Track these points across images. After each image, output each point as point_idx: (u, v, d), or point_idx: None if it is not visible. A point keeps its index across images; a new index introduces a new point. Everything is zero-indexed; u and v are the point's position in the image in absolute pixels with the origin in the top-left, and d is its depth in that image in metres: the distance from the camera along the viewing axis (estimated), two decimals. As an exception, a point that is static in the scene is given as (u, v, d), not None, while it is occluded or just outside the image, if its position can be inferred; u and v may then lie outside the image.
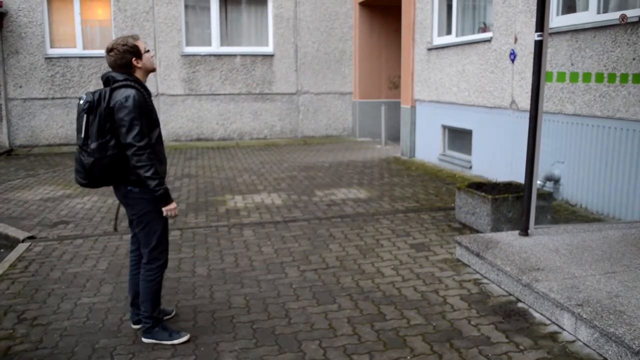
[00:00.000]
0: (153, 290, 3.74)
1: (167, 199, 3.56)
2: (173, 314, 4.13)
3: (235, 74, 13.65)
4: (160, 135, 3.68)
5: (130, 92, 3.44)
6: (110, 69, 3.61)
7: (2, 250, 6.06)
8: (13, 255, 5.53)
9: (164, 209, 3.58)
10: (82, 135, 3.43)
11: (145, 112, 3.49)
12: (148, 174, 3.45)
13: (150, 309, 3.73)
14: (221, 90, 13.64)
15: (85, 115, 3.43)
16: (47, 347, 3.68)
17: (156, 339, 3.71)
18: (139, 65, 3.58)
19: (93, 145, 3.42)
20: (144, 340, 3.73)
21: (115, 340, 3.76)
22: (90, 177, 3.49)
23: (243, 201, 7.60)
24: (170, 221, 6.46)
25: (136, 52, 3.56)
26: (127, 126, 3.40)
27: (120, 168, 3.50)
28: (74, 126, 13.03)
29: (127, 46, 3.54)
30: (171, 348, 3.63)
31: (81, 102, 3.46)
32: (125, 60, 3.54)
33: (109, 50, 3.56)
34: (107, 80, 3.55)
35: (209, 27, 13.56)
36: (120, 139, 3.43)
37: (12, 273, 5.05)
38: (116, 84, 3.48)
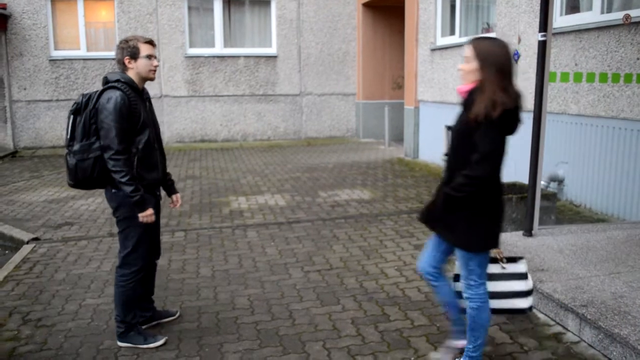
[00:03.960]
0: (126, 296, 3.65)
1: (143, 206, 3.52)
2: (177, 314, 4.13)
3: (239, 75, 13.66)
4: (150, 140, 3.61)
5: (114, 94, 3.42)
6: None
7: (6, 252, 6.08)
8: (18, 257, 5.55)
9: (139, 215, 3.53)
10: (68, 137, 3.48)
11: (128, 116, 3.45)
12: (123, 180, 3.41)
13: (123, 314, 3.67)
14: (225, 91, 13.66)
15: (72, 117, 3.47)
16: (52, 349, 3.69)
17: (132, 343, 3.67)
18: (131, 66, 3.55)
19: (76, 147, 3.44)
20: (120, 344, 3.69)
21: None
22: (74, 179, 3.51)
23: (247, 202, 7.61)
24: (174, 222, 6.50)
25: (132, 53, 3.54)
26: (105, 128, 3.38)
27: (105, 170, 3.47)
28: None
29: (127, 44, 3.55)
30: (175, 349, 3.64)
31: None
32: (120, 56, 3.56)
33: (121, 40, 3.63)
34: (104, 79, 3.57)
35: (213, 28, 13.58)
36: (103, 143, 3.42)
37: (16, 274, 5.06)
38: (106, 86, 3.49)
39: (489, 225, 2.97)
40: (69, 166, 3.49)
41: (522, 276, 3.24)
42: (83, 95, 3.49)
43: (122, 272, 3.66)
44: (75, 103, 3.47)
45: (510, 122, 2.79)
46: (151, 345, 3.66)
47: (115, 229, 6.28)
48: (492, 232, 2.99)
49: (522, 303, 3.24)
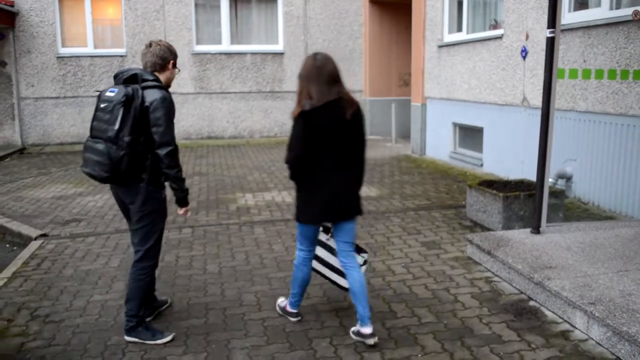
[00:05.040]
0: (143, 290, 3.72)
1: (187, 200, 3.77)
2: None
3: (246, 72, 13.67)
4: None
5: (165, 93, 3.54)
6: (125, 69, 3.65)
7: (15, 248, 6.12)
8: (26, 253, 5.58)
9: (184, 209, 3.77)
10: (117, 128, 3.41)
11: (174, 114, 3.60)
12: (178, 175, 3.60)
13: (136, 308, 3.71)
14: (231, 88, 13.66)
15: (122, 109, 3.41)
16: (60, 344, 3.71)
17: (140, 339, 3.69)
18: (170, 70, 3.71)
19: (127, 139, 3.41)
20: (127, 338, 3.71)
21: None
22: (115, 171, 3.45)
23: (254, 199, 7.61)
24: (181, 219, 6.51)
25: (175, 59, 3.75)
26: (163, 126, 3.47)
27: (140, 165, 3.53)
28: (86, 125, 13.08)
29: (172, 49, 3.72)
30: (182, 345, 3.65)
31: (111, 94, 3.46)
32: (166, 57, 3.66)
33: (156, 42, 3.68)
34: (132, 77, 3.55)
35: (219, 25, 13.58)
36: (155, 137, 3.49)
37: (25, 270, 5.09)
38: (147, 83, 3.53)
39: (302, 202, 3.61)
40: (111, 158, 3.42)
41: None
42: (125, 88, 3.47)
43: (142, 266, 3.71)
44: (124, 95, 3.42)
45: (313, 120, 3.41)
46: (159, 341, 3.67)
47: (123, 226, 6.29)
48: (306, 209, 3.60)
49: (342, 282, 3.86)
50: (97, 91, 3.65)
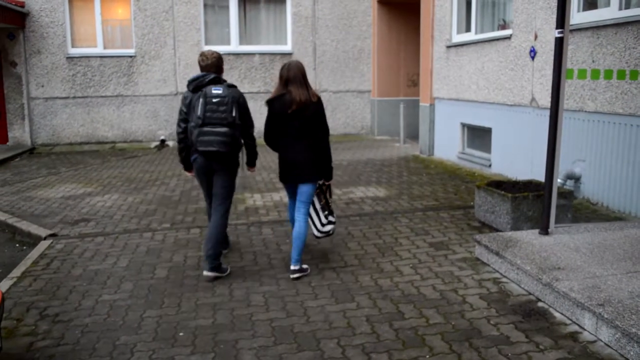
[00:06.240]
0: (225, 229, 5.01)
1: (255, 163, 5.18)
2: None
3: (254, 72, 13.69)
4: None
5: (240, 91, 4.85)
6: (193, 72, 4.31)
7: (24, 248, 6.16)
8: (35, 253, 5.62)
9: (253, 169, 5.25)
10: (234, 115, 4.64)
11: None
12: (255, 144, 5.06)
13: (222, 246, 4.91)
14: (240, 88, 13.58)
15: (233, 102, 4.64)
16: (69, 344, 3.73)
17: (219, 273, 4.76)
18: (223, 72, 4.97)
19: (239, 123, 4.70)
20: (210, 274, 4.71)
21: (135, 337, 3.80)
22: (233, 146, 4.65)
23: (262, 199, 7.62)
24: (189, 219, 6.52)
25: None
26: (249, 113, 4.87)
27: (240, 142, 4.81)
28: (95, 125, 13.23)
29: (221, 56, 4.96)
30: (190, 345, 3.66)
31: (219, 91, 4.63)
32: (221, 65, 4.91)
33: (211, 54, 4.91)
34: (214, 79, 4.75)
35: (228, 26, 13.61)
36: (246, 121, 4.81)
37: (34, 270, 5.12)
38: (228, 83, 4.78)
39: (278, 167, 4.92)
40: (232, 137, 4.61)
41: (322, 222, 5.08)
42: (227, 87, 4.72)
43: (227, 210, 4.89)
44: (231, 95, 4.65)
45: (270, 106, 4.80)
46: (227, 272, 4.86)
47: (131, 226, 6.33)
48: (279, 172, 4.92)
49: (315, 231, 5.10)
50: (201, 90, 4.68)
